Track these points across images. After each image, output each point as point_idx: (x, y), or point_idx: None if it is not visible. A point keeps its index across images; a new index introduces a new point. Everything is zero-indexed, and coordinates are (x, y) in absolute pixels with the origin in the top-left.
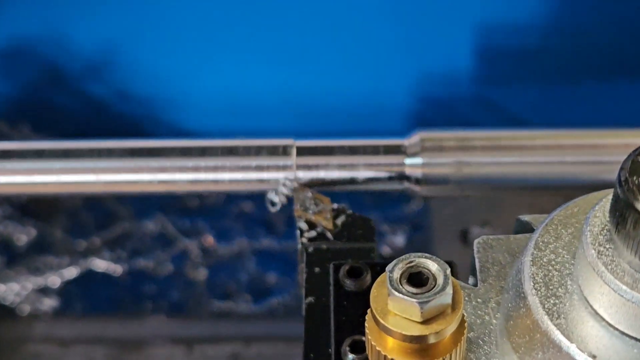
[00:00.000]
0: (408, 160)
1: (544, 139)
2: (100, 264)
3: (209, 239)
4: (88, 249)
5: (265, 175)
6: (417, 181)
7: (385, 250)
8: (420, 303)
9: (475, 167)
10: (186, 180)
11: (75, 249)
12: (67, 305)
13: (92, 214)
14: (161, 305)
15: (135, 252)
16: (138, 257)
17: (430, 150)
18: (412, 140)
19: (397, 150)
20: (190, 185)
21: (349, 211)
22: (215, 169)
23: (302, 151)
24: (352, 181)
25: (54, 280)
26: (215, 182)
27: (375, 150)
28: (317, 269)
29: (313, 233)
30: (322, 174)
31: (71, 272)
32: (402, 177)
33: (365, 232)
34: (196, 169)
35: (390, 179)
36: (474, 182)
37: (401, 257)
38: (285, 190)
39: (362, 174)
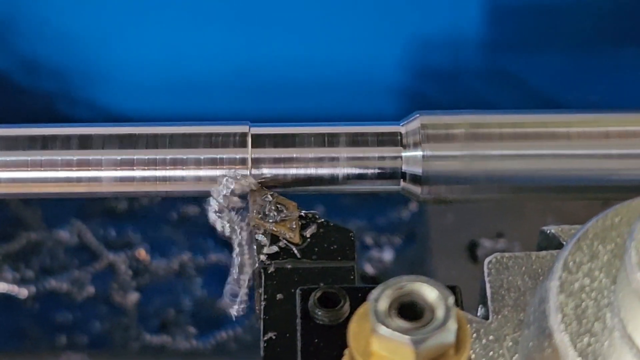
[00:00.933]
0: (405, 153)
1: (581, 124)
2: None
3: (141, 253)
4: None
5: (210, 172)
6: (417, 180)
7: (368, 269)
8: (414, 342)
9: (491, 161)
10: (108, 179)
11: None
12: None
13: None
14: (78, 339)
15: (45, 271)
16: (48, 276)
17: (434, 140)
18: (411, 126)
19: (391, 139)
20: (113, 185)
21: (321, 219)
22: (145, 163)
23: (259, 140)
24: (331, 180)
25: None
26: (145, 180)
27: (361, 140)
28: (279, 296)
29: (274, 248)
30: (286, 171)
31: None
32: (396, 174)
33: (342, 248)
34: (122, 164)
35: (380, 177)
36: (489, 181)
37: (389, 282)
38: (229, 189)
39: (342, 170)
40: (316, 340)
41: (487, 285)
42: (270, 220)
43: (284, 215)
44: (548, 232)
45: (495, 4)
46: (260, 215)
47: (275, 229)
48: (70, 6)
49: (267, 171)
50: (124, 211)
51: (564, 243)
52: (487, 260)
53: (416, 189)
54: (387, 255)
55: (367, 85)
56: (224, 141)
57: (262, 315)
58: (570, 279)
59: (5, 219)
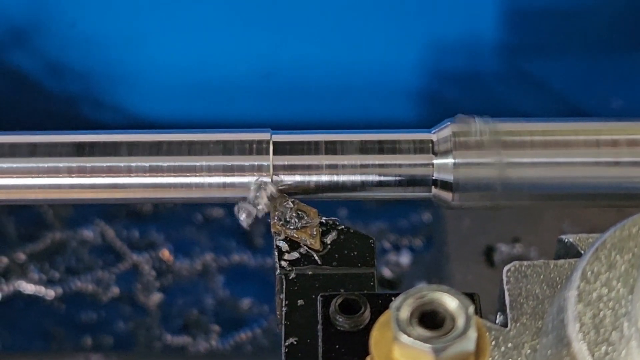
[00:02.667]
0: (437, 160)
1: (611, 132)
2: (28, 287)
3: (165, 253)
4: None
5: (231, 179)
6: (448, 187)
7: (385, 272)
8: (435, 350)
9: (521, 169)
10: (126, 185)
11: None
12: None
13: (15, 221)
14: (103, 340)
15: (70, 271)
16: (74, 277)
17: (465, 148)
18: (442, 134)
19: (422, 147)
20: (137, 192)
21: (342, 226)
22: (166, 170)
23: (281, 148)
24: (362, 187)
25: None
26: (169, 187)
27: (392, 148)
28: (300, 302)
29: (295, 255)
30: (312, 178)
31: None
32: (427, 181)
33: (362, 254)
34: (150, 170)
35: (411, 184)
36: (519, 188)
37: (410, 291)
38: (260, 198)
39: (374, 177)
40: (337, 346)
41: (506, 294)
42: (291, 227)
43: (304, 222)
44: (566, 240)
45: (512, 7)
46: (281, 222)
47: (296, 236)
48: (96, 10)
49: (297, 178)
50: (148, 213)
51: (582, 252)
52: (505, 268)
53: (447, 196)
54: (404, 259)
55: (385, 88)
56: (244, 148)
57: (283, 321)
58: (588, 289)
59: (29, 219)
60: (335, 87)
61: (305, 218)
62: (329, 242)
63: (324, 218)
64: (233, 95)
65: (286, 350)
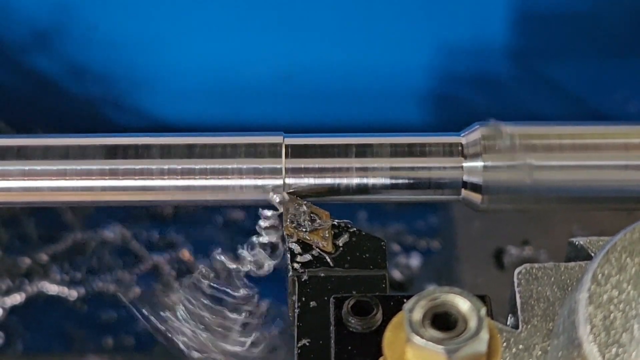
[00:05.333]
0: (466, 164)
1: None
2: (51, 287)
3: (185, 253)
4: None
5: (244, 181)
6: (477, 190)
7: (395, 274)
8: (448, 351)
9: (550, 172)
10: (145, 187)
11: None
12: (9, 342)
13: (36, 222)
14: (124, 340)
15: (91, 272)
16: (95, 277)
17: (494, 151)
18: (471, 137)
19: (451, 150)
20: (154, 194)
21: (354, 229)
22: (179, 173)
23: (296, 150)
24: (392, 188)
25: None
26: (182, 190)
27: (421, 150)
28: (312, 303)
29: (307, 257)
30: (333, 181)
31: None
32: (457, 184)
33: (374, 256)
34: (160, 173)
35: (440, 186)
36: (548, 192)
37: (423, 293)
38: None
39: (404, 180)
40: (349, 348)
41: (517, 296)
42: (304, 230)
43: (317, 225)
44: (576, 243)
45: (523, 10)
46: (294, 225)
47: (309, 238)
48: (117, 14)
49: (309, 180)
50: (169, 214)
51: (592, 254)
52: (516, 270)
53: (476, 199)
54: (413, 261)
55: (397, 91)
56: (257, 151)
57: (296, 322)
58: (599, 291)
59: (50, 219)
60: (347, 90)
61: (318, 220)
62: (341, 244)
63: (336, 220)
64: (251, 98)
65: (299, 351)
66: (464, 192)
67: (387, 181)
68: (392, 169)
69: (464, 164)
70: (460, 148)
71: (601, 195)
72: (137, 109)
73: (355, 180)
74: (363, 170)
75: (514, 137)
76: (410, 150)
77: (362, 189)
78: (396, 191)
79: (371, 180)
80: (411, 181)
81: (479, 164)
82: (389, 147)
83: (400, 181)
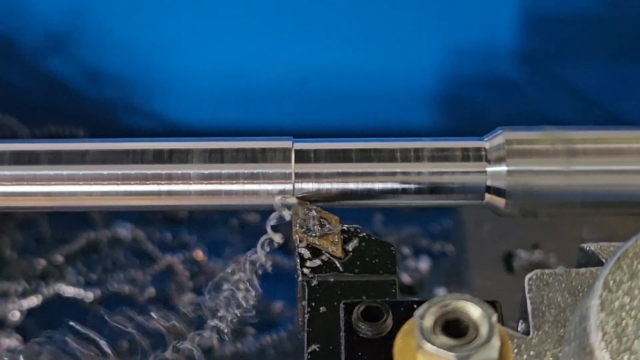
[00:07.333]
0: (490, 168)
1: None
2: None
3: (199, 254)
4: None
5: (254, 186)
6: (501, 194)
7: (404, 278)
8: (459, 358)
9: (574, 176)
10: (154, 192)
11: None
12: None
13: (50, 224)
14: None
15: (106, 273)
16: (110, 278)
17: (518, 155)
18: (495, 141)
19: (475, 154)
20: (159, 199)
21: (363, 234)
22: (189, 178)
23: (304, 155)
24: (415, 192)
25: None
26: (193, 194)
27: (444, 155)
28: (322, 309)
29: (317, 262)
30: (355, 185)
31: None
32: (480, 189)
33: (383, 261)
34: (168, 178)
35: (464, 191)
36: (572, 196)
37: (434, 300)
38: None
39: (425, 185)
40: (359, 353)
41: (528, 302)
42: (314, 234)
43: (326, 230)
44: (587, 249)
45: (532, 12)
46: (303, 229)
47: (318, 243)
48: (132, 18)
49: (319, 185)
50: (184, 216)
51: (603, 260)
52: (527, 276)
53: (500, 203)
54: (422, 265)
55: (406, 95)
56: (266, 156)
57: (305, 328)
58: (611, 298)
59: (64, 221)
60: (358, 93)
61: (327, 225)
62: (350, 249)
63: (346, 225)
64: (264, 101)
65: (309, 357)
66: (487, 197)
67: (412, 186)
68: (414, 174)
69: (488, 169)
70: (483, 152)
71: (625, 200)
72: (150, 112)
73: (378, 185)
74: (385, 175)
75: (537, 142)
76: (433, 155)
77: (386, 193)
78: (419, 196)
79: (395, 185)
80: (434, 186)
81: (503, 168)
82: (412, 152)
83: (422, 186)
